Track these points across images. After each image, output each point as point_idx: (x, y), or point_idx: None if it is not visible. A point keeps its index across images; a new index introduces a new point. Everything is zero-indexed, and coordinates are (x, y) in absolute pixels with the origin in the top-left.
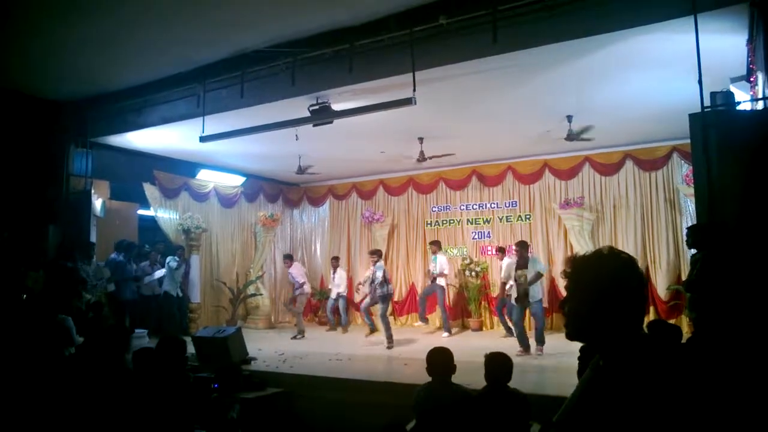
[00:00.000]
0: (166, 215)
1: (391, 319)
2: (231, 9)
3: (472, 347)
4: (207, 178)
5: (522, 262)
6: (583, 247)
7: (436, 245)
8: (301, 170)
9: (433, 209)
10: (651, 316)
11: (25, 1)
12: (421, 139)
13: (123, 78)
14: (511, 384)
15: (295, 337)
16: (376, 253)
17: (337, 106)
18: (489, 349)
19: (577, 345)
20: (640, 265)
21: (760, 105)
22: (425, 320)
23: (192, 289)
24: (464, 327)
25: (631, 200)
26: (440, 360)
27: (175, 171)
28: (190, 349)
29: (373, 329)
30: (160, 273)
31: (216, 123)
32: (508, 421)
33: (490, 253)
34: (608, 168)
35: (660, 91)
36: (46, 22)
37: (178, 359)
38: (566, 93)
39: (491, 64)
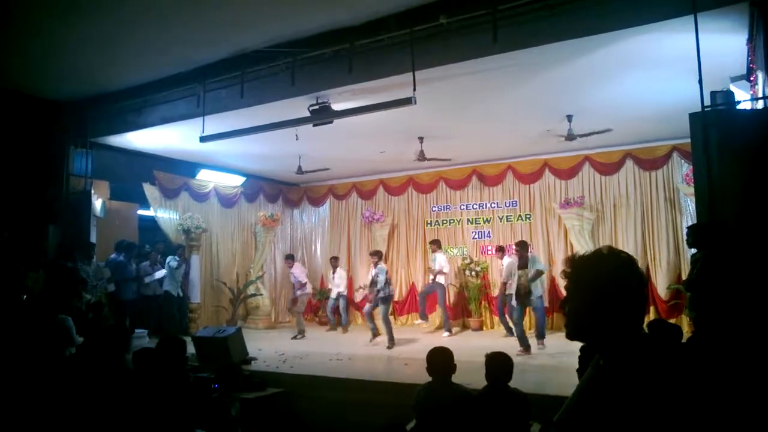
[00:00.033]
0: (166, 215)
1: (391, 318)
2: (231, 9)
3: (472, 347)
4: (207, 178)
5: (522, 262)
6: (583, 246)
7: (436, 244)
8: (301, 170)
9: (433, 209)
10: (651, 315)
11: (25, 1)
12: (421, 139)
13: (123, 78)
14: (512, 384)
15: (295, 337)
16: (376, 254)
17: (337, 106)
18: (489, 349)
19: (578, 345)
20: (640, 265)
21: (760, 104)
22: (425, 317)
23: (192, 289)
24: (464, 327)
25: (632, 200)
26: (440, 360)
27: (175, 171)
28: (190, 349)
29: (376, 334)
30: (160, 273)
31: (216, 123)
32: (508, 420)
33: (490, 252)
34: (608, 167)
35: (660, 91)
36: (46, 22)
37: (178, 359)
38: (566, 92)
39: (491, 64)
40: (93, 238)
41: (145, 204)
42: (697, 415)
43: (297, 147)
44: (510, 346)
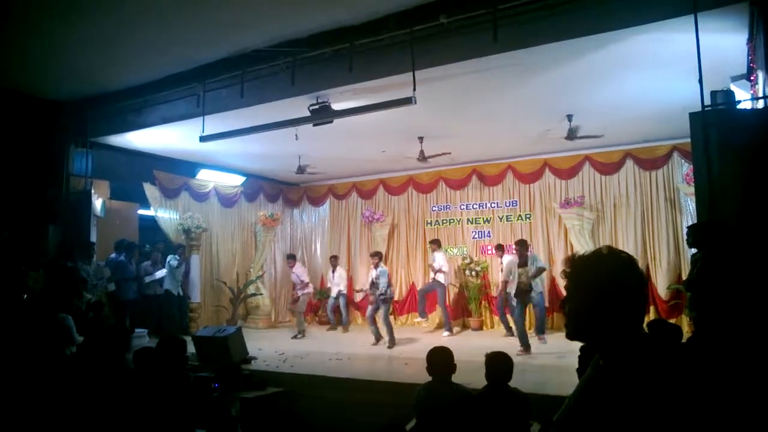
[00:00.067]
0: (166, 215)
1: (391, 318)
2: (231, 9)
3: (472, 347)
4: (207, 178)
5: (522, 260)
6: (583, 246)
7: (436, 243)
8: (301, 170)
9: (434, 209)
10: (651, 315)
11: (25, 1)
12: (421, 139)
13: (123, 78)
14: (512, 383)
15: (295, 337)
16: (377, 255)
17: (337, 106)
18: (489, 349)
19: (578, 344)
20: (640, 265)
21: (760, 104)
22: (424, 315)
23: (192, 288)
24: (464, 326)
25: (632, 199)
26: (440, 359)
27: (175, 171)
28: (191, 348)
29: (378, 338)
30: (161, 273)
31: (216, 123)
32: (508, 420)
33: (490, 252)
34: (608, 167)
35: (660, 90)
36: (46, 22)
37: (178, 359)
38: (567, 92)
39: (491, 64)
40: (93, 238)
41: (145, 204)
42: (697, 415)
43: (297, 147)
44: (510, 345)
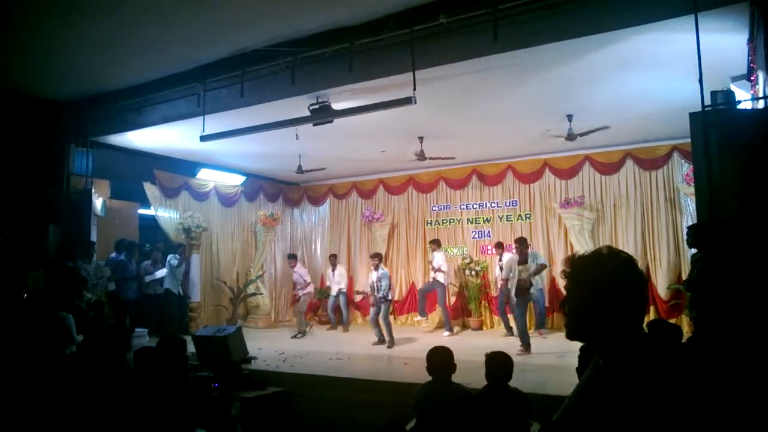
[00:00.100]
0: (166, 214)
1: (391, 318)
2: (231, 9)
3: (472, 346)
4: (207, 178)
5: (522, 258)
6: (583, 246)
7: (436, 243)
8: (301, 170)
9: (434, 208)
10: (651, 315)
11: (25, 1)
12: (421, 139)
13: (123, 78)
14: (512, 383)
15: (295, 336)
16: (377, 257)
17: (337, 106)
18: (489, 349)
19: (578, 344)
20: (640, 265)
21: (760, 104)
22: (424, 314)
23: (192, 288)
24: (464, 326)
25: (632, 199)
26: (440, 359)
27: (176, 170)
28: (191, 348)
29: (381, 340)
30: (161, 273)
31: (216, 122)
32: (508, 420)
33: (490, 252)
34: (608, 167)
35: (660, 90)
36: (46, 22)
37: (178, 358)
38: (567, 92)
39: (491, 63)
40: (93, 237)
41: (145, 203)
42: (696, 415)
43: (297, 146)
44: (510, 345)
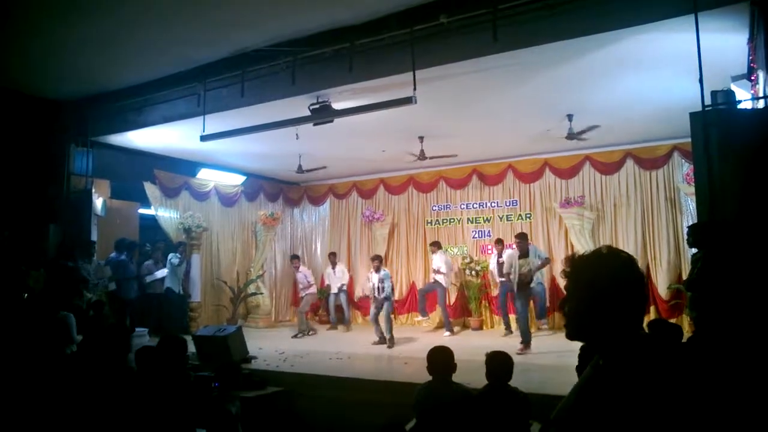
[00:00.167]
0: (166, 214)
1: (391, 317)
2: (231, 9)
3: (472, 346)
4: (207, 177)
5: (523, 252)
6: (583, 246)
7: (436, 245)
8: (301, 170)
9: (434, 208)
10: (652, 315)
11: (25, 1)
12: (421, 138)
13: (123, 77)
14: (512, 383)
15: (296, 336)
16: (377, 259)
17: (337, 105)
18: (489, 348)
19: (578, 344)
20: (640, 264)
21: (761, 104)
22: (425, 314)
23: (193, 287)
24: (465, 326)
25: (632, 199)
26: (441, 359)
27: (176, 170)
28: (191, 347)
29: (381, 339)
30: (161, 273)
31: (216, 122)
32: (508, 420)
33: (490, 252)
34: (609, 167)
35: (661, 90)
36: (46, 22)
37: (178, 358)
38: (567, 92)
39: (492, 63)
40: (94, 237)
41: (145, 203)
42: (696, 415)
43: (297, 146)
44: (510, 345)
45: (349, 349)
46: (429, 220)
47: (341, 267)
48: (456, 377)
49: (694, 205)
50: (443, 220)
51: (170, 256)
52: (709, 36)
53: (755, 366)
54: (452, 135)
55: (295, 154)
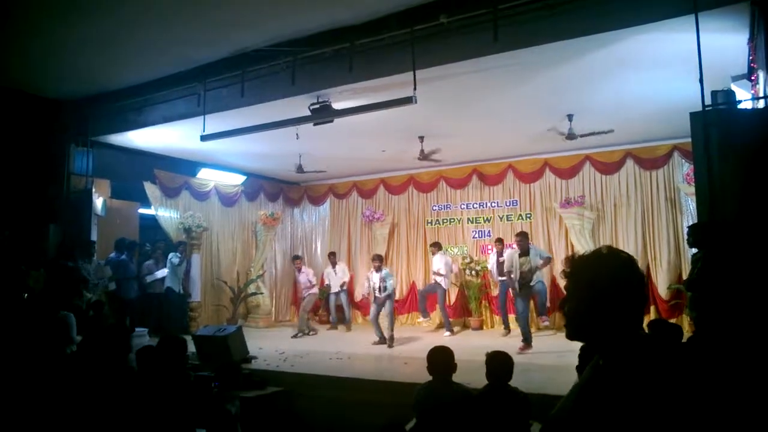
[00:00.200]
0: (166, 214)
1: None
2: (231, 9)
3: (472, 346)
4: (208, 177)
5: (523, 251)
6: (583, 246)
7: (436, 246)
8: (302, 169)
9: (434, 208)
10: (652, 315)
11: (25, 1)
12: (421, 138)
13: (123, 77)
14: (513, 383)
15: (296, 336)
16: (378, 259)
17: (337, 105)
18: (489, 348)
19: (579, 344)
20: (640, 264)
21: (761, 104)
22: (426, 315)
23: (193, 287)
24: (465, 326)
25: (632, 199)
26: (441, 359)
27: (176, 170)
28: (191, 347)
29: (381, 339)
30: (161, 273)
31: (217, 122)
32: (508, 420)
33: (490, 251)
34: (609, 167)
35: (661, 90)
36: (46, 22)
37: (179, 358)
38: (567, 92)
39: (492, 63)
40: (94, 237)
41: (146, 203)
42: (697, 415)
43: (297, 146)
44: (510, 345)
45: (349, 349)
46: (429, 220)
47: (342, 266)
48: (456, 377)
49: (694, 205)
50: (443, 220)
51: (170, 255)
52: (709, 36)
53: (755, 366)
54: (453, 135)
55: (295, 153)
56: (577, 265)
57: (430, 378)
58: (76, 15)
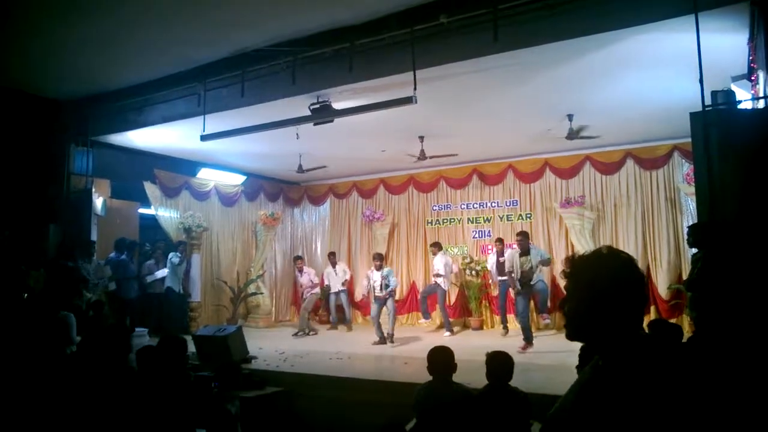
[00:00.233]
0: (166, 214)
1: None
2: (231, 9)
3: (472, 346)
4: (208, 177)
5: (524, 250)
6: (583, 246)
7: (436, 247)
8: (302, 169)
9: (434, 208)
10: (652, 315)
11: (25, 1)
12: (421, 138)
13: (123, 77)
14: (513, 383)
15: (296, 335)
16: (378, 258)
17: (337, 105)
18: (489, 348)
19: (579, 344)
20: (640, 265)
21: (761, 104)
22: (428, 316)
23: (193, 287)
24: (465, 326)
25: (632, 199)
26: (441, 359)
27: (176, 170)
28: (191, 347)
29: (381, 339)
30: (162, 273)
31: (217, 122)
32: (508, 420)
33: (490, 251)
34: (609, 167)
35: (661, 90)
36: (46, 22)
37: (179, 358)
38: (567, 92)
39: (492, 63)
40: (94, 237)
41: (146, 202)
42: (697, 415)
43: (298, 146)
44: (510, 345)
45: (349, 349)
46: (429, 220)
47: (342, 266)
48: (456, 377)
49: (694, 205)
50: (443, 220)
51: (170, 255)
52: (709, 36)
53: (755, 366)
54: (453, 134)
55: (295, 153)
56: (577, 265)
57: (430, 378)
58: (76, 15)
